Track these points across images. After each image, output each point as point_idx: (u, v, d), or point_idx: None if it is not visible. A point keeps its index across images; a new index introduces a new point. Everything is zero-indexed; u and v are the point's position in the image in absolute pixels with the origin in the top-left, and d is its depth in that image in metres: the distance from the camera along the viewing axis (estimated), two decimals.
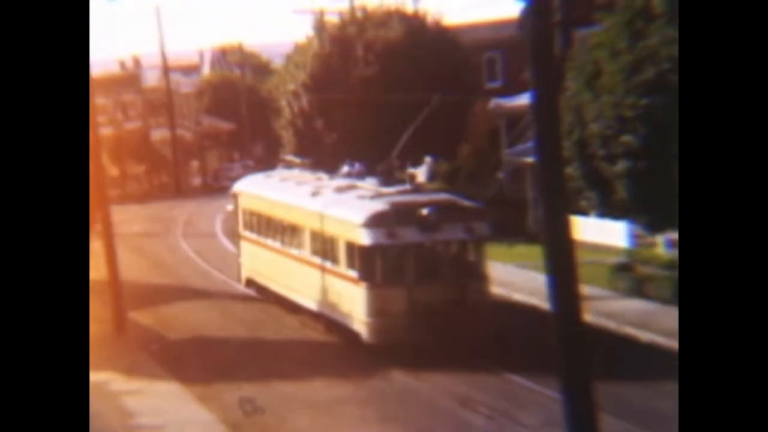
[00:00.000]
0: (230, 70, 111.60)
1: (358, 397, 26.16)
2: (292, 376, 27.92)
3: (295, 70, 56.29)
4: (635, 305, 32.96)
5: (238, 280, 40.52)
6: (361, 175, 37.21)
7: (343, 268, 31.87)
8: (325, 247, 33.11)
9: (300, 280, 35.04)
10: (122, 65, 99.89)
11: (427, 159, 66.54)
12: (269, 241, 37.80)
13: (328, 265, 32.90)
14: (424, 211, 30.85)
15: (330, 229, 32.79)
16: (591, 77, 31.71)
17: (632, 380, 25.57)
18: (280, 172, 42.44)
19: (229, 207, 44.28)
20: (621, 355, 27.99)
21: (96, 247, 36.05)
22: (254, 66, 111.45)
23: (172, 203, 70.14)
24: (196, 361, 29.81)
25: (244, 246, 40.38)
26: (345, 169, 75.01)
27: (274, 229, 37.59)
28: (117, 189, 71.61)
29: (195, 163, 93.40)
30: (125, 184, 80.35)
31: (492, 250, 42.85)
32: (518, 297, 35.46)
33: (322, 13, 57.43)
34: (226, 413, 25.43)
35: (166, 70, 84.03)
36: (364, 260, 30.59)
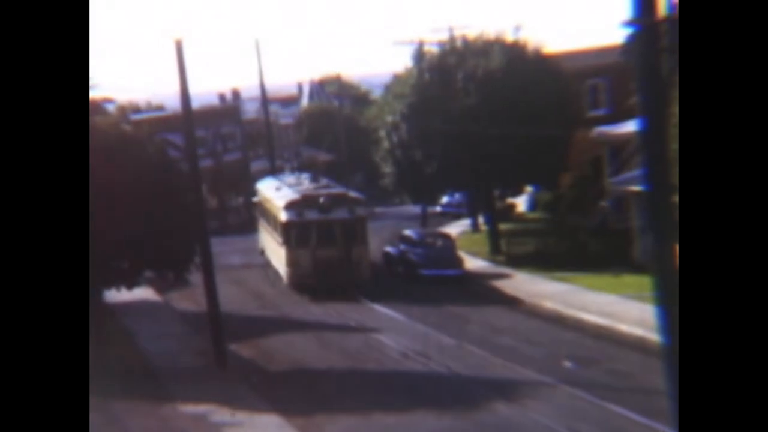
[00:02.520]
0: (328, 101, 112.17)
1: (458, 428, 25.75)
2: (394, 408, 27.62)
3: (394, 100, 56.21)
4: None
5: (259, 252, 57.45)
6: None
7: (278, 237, 48.67)
8: (274, 225, 49.98)
9: (270, 247, 52.89)
10: (222, 98, 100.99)
11: (529, 188, 66.17)
12: (263, 222, 55.67)
13: (275, 235, 50.06)
14: (321, 199, 47.38)
15: (274, 212, 49.68)
16: None
17: None
18: (283, 176, 61.17)
19: (255, 199, 59.58)
20: None
21: (196, 279, 36.24)
22: (353, 97, 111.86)
23: None
24: (297, 393, 29.66)
25: (259, 227, 58.01)
26: (445, 199, 75.55)
27: (265, 214, 54.49)
28: (217, 221, 72.03)
29: None
30: (225, 216, 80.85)
31: (597, 280, 42.59)
32: (623, 328, 34.75)
33: (422, 44, 57.28)
34: None
35: (265, 101, 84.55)
36: (284, 231, 47.33)
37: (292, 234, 46.79)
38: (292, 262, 46.93)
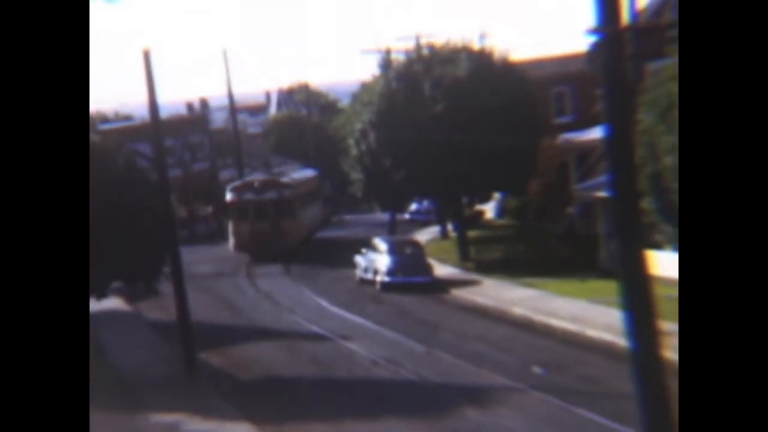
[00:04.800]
0: (297, 109, 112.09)
1: None
2: (365, 415, 27.69)
3: (362, 108, 56.35)
4: None
5: None
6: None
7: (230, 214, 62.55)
8: None
9: None
10: (190, 107, 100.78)
11: (497, 195, 66.39)
12: None
13: None
14: (255, 184, 62.22)
15: None
16: (664, 110, 31.25)
17: None
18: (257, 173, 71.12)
19: None
20: None
21: (166, 289, 36.21)
22: (321, 105, 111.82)
23: None
24: (268, 401, 29.66)
25: None
26: (413, 206, 76.04)
27: None
28: (186, 230, 71.91)
29: None
30: (194, 225, 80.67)
31: (565, 286, 42.77)
32: (592, 333, 34.93)
33: (388, 52, 57.47)
34: None
35: (233, 111, 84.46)
36: (229, 209, 62.21)
37: (234, 211, 61.43)
38: (235, 233, 61.18)
